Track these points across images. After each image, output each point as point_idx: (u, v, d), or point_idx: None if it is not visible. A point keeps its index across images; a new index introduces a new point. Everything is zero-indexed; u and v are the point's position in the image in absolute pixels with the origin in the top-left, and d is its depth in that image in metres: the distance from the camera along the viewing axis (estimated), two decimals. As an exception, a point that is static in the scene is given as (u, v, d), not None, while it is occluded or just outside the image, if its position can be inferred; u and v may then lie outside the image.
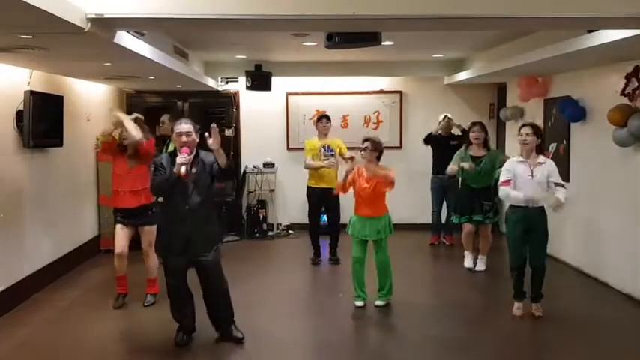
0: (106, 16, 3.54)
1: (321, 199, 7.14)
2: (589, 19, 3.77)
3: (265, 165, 9.18)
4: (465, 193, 6.75)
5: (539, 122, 7.65)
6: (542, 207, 5.07)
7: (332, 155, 7.04)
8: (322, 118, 7.29)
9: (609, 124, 5.69)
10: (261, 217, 9.05)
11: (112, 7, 3.53)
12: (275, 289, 6.19)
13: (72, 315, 5.36)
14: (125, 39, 4.38)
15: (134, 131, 5.30)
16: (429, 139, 8.07)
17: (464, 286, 6.35)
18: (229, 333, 4.62)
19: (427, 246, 8.18)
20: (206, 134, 4.27)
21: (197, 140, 4.44)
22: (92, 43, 4.15)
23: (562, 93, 7.02)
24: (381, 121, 9.44)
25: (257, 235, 8.95)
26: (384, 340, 4.95)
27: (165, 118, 7.21)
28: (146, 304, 5.52)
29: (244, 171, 9.13)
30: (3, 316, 5.22)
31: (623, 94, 5.70)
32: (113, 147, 5.43)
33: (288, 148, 9.46)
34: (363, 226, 5.42)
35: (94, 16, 3.52)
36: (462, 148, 6.74)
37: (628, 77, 5.64)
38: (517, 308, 5.25)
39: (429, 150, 8.18)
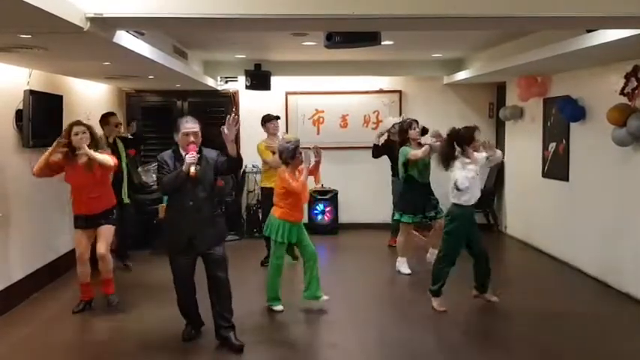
0: (105, 15, 3.54)
1: None
2: (588, 19, 3.78)
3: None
4: (413, 191, 6.46)
5: (539, 122, 7.69)
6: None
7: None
8: (273, 119, 7.17)
9: (608, 124, 5.70)
10: (260, 216, 9.04)
11: (111, 7, 3.53)
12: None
13: (71, 315, 5.35)
14: (124, 38, 4.38)
15: (105, 160, 5.24)
16: (379, 150, 7.64)
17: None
18: (228, 340, 4.51)
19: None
20: (222, 127, 4.26)
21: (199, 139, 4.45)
22: (91, 43, 4.15)
23: (561, 92, 7.03)
24: (381, 121, 9.42)
25: (256, 234, 8.94)
26: (385, 341, 4.95)
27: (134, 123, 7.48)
28: (114, 304, 5.47)
29: (244, 170, 9.13)
30: (2, 316, 5.21)
31: (622, 93, 5.70)
32: (57, 165, 5.22)
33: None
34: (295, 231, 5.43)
35: (93, 15, 3.53)
36: (406, 146, 6.45)
37: (627, 77, 5.64)
38: (439, 305, 5.36)
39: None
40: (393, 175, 7.68)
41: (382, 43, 5.00)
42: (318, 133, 9.36)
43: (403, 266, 6.71)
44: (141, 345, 4.69)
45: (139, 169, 7.86)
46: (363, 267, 7.20)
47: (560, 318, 5.21)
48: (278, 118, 7.27)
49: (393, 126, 7.48)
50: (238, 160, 4.42)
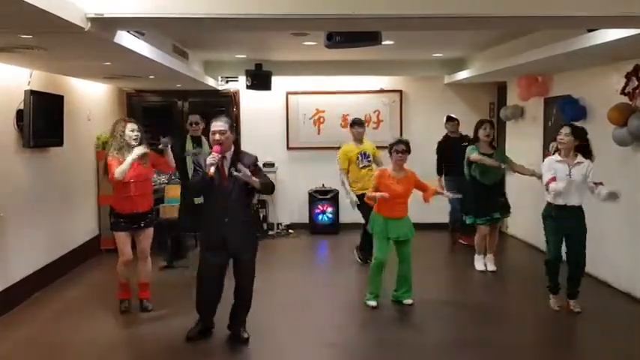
0: (105, 15, 3.54)
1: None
2: (589, 19, 3.77)
3: (265, 164, 9.15)
4: (480, 192, 6.55)
5: (540, 121, 7.68)
6: (580, 206, 5.16)
7: (369, 162, 6.96)
8: (355, 124, 7.12)
9: (609, 123, 5.69)
10: (261, 216, 9.06)
11: (111, 7, 3.53)
12: (275, 289, 6.19)
13: (72, 315, 5.36)
14: (125, 38, 4.38)
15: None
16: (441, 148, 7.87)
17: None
18: (237, 331, 4.68)
19: (432, 246, 8.14)
20: (235, 172, 4.35)
21: (233, 138, 4.50)
22: (92, 43, 4.15)
23: (562, 92, 7.02)
24: (381, 121, 9.44)
25: (257, 234, 8.94)
26: (385, 341, 4.94)
27: (196, 118, 6.95)
28: (150, 309, 5.37)
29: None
30: (3, 316, 5.22)
31: (623, 93, 5.70)
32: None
33: (289, 148, 9.46)
34: (396, 227, 5.41)
35: (93, 15, 3.53)
36: (473, 146, 6.62)
37: (628, 76, 5.64)
38: (553, 303, 5.33)
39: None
40: (446, 175, 7.82)
41: (383, 42, 5.00)
42: (318, 133, 9.37)
43: (477, 263, 6.84)
44: (145, 345, 4.71)
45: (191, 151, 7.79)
46: (362, 266, 7.19)
47: (560, 318, 5.21)
48: (362, 124, 7.17)
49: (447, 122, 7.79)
50: (266, 188, 4.55)
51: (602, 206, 6.23)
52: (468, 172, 6.63)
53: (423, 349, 4.62)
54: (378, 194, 5.29)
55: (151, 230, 5.37)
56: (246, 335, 4.65)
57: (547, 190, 5.15)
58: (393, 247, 5.55)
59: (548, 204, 5.22)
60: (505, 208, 6.71)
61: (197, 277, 4.66)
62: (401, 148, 5.40)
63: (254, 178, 4.40)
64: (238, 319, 4.71)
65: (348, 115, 9.35)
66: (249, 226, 4.68)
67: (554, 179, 5.05)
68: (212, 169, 4.30)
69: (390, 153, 5.48)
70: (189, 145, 6.76)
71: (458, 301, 5.79)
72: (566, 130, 5.16)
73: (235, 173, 4.36)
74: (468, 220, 6.76)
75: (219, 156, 4.35)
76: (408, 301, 5.51)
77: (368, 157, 7.00)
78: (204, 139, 6.84)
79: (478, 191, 6.55)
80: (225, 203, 4.43)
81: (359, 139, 7.08)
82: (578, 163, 5.12)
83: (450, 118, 8.01)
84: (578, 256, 5.23)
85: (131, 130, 5.13)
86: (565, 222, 5.15)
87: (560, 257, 5.23)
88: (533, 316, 5.32)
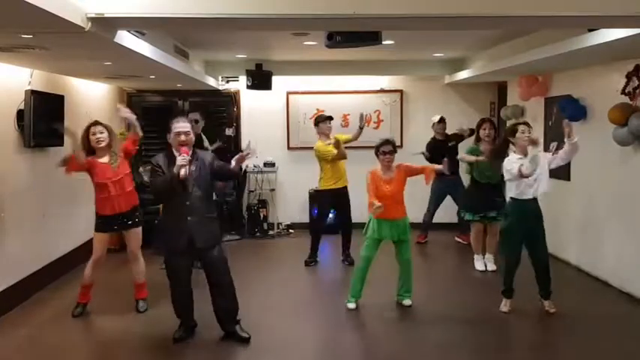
0: (106, 15, 3.54)
1: (333, 200, 7.09)
2: (590, 18, 3.77)
3: (266, 164, 9.19)
4: (476, 190, 6.67)
5: (540, 121, 7.68)
6: (536, 197, 5.13)
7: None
8: (325, 120, 7.17)
9: (610, 123, 5.69)
10: (261, 216, 9.06)
11: (112, 7, 3.53)
12: (276, 289, 6.19)
13: (72, 315, 5.35)
14: (126, 38, 4.38)
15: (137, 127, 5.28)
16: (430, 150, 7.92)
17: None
18: (234, 332, 4.61)
19: (434, 246, 8.15)
20: (232, 161, 4.39)
21: (193, 139, 4.46)
22: (93, 43, 4.15)
23: (563, 92, 7.02)
24: (382, 120, 9.44)
25: (258, 234, 8.96)
26: (389, 342, 4.95)
27: (195, 116, 6.89)
28: (141, 310, 5.35)
29: (245, 170, 9.13)
30: (4, 316, 5.22)
31: (623, 93, 5.70)
32: (81, 165, 5.15)
33: (289, 148, 9.46)
34: (389, 228, 5.38)
35: (94, 15, 3.53)
36: (472, 144, 6.71)
37: (629, 76, 5.64)
38: (504, 305, 5.33)
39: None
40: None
41: (383, 42, 5.01)
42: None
43: (477, 262, 6.85)
44: (143, 344, 4.70)
45: (140, 169, 7.85)
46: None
47: (560, 318, 5.21)
48: (331, 118, 7.24)
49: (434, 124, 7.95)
50: (238, 174, 4.55)
51: (603, 207, 6.24)
52: (469, 170, 6.75)
53: (424, 349, 4.62)
54: (376, 204, 5.09)
55: (138, 230, 5.29)
56: (246, 335, 4.60)
57: (520, 175, 5.05)
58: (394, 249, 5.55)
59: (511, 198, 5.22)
60: (502, 210, 6.63)
61: (170, 283, 4.56)
62: (388, 149, 5.33)
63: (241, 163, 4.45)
64: (231, 321, 4.62)
65: (348, 114, 9.36)
66: (213, 221, 4.53)
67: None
68: (183, 171, 4.21)
69: (377, 155, 5.42)
70: None
71: (456, 302, 5.76)
72: (527, 127, 5.19)
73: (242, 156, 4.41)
74: (465, 217, 6.84)
75: (188, 157, 4.29)
76: (407, 302, 5.50)
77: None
78: (203, 136, 6.86)
79: (473, 188, 6.71)
80: (188, 202, 4.33)
81: (326, 135, 7.08)
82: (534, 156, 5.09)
83: (441, 120, 8.04)
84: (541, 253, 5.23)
85: (92, 134, 5.11)
86: (526, 217, 5.12)
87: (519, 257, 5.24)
88: (530, 317, 5.31)
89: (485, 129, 6.61)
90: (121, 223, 5.21)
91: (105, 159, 5.15)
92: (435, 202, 8.16)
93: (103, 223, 5.18)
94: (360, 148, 7.32)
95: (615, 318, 5.26)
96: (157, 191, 4.43)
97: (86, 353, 4.59)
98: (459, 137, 7.94)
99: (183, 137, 4.34)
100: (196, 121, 6.81)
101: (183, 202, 4.34)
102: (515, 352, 4.63)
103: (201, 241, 4.39)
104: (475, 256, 6.89)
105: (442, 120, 8.05)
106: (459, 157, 6.75)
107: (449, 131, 8.08)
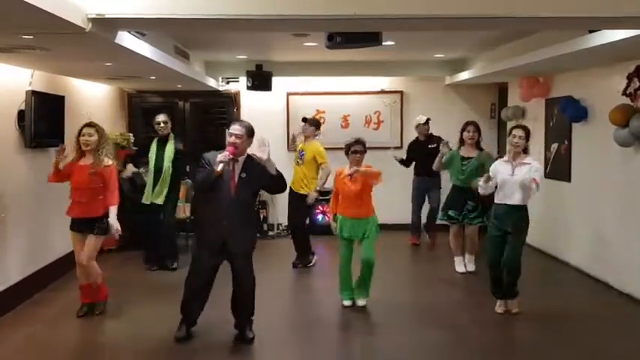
0: (107, 16, 3.54)
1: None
2: (591, 19, 3.77)
3: (266, 165, 9.17)
4: (452, 192, 6.74)
5: (541, 122, 7.68)
6: (523, 205, 5.10)
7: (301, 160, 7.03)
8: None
9: (611, 124, 5.69)
10: (261, 217, 9.06)
11: (112, 8, 3.53)
12: (275, 289, 6.19)
13: (72, 315, 5.32)
14: (126, 39, 4.39)
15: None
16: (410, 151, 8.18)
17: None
18: (242, 332, 4.68)
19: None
20: (251, 153, 4.49)
21: (248, 146, 4.59)
22: (93, 44, 4.16)
23: (563, 93, 7.02)
24: (382, 121, 9.44)
25: (258, 235, 8.93)
26: (384, 341, 4.95)
27: (164, 117, 6.87)
28: (98, 312, 5.26)
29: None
30: (5, 316, 5.21)
31: (624, 94, 5.70)
32: (61, 176, 5.12)
33: (289, 149, 9.44)
34: (349, 226, 5.41)
35: (95, 16, 3.53)
36: (455, 147, 6.68)
37: (630, 77, 5.64)
38: (498, 306, 5.32)
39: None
40: (415, 175, 8.17)
41: (383, 43, 5.00)
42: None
43: (457, 265, 6.82)
44: (146, 345, 4.69)
45: (141, 169, 7.85)
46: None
47: (560, 318, 5.21)
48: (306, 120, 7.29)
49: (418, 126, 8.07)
50: (281, 177, 4.59)
51: (603, 208, 6.24)
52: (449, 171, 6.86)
53: (423, 350, 4.62)
54: (332, 225, 5.54)
55: (93, 239, 5.07)
56: (251, 335, 4.65)
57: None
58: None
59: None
60: (479, 213, 6.52)
61: (188, 276, 4.64)
62: (359, 148, 5.38)
63: (272, 162, 4.51)
64: (244, 320, 4.70)
65: (349, 115, 9.37)
66: (250, 228, 4.69)
67: (487, 179, 5.13)
68: (220, 167, 4.34)
69: (347, 153, 5.45)
70: (153, 146, 6.84)
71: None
72: (519, 132, 5.14)
73: (252, 153, 4.48)
74: (439, 217, 7.08)
75: (230, 156, 4.40)
76: (361, 303, 5.48)
77: (302, 156, 7.01)
78: (172, 135, 6.84)
79: (450, 190, 6.81)
80: (228, 205, 4.43)
81: (306, 136, 7.10)
82: (524, 164, 5.08)
83: (427, 121, 8.06)
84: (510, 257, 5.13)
85: (82, 135, 5.09)
86: (504, 221, 5.11)
87: (499, 260, 5.17)
88: (531, 317, 5.29)
89: (469, 131, 6.57)
90: (85, 228, 5.10)
91: (87, 161, 5.07)
92: (417, 202, 8.20)
93: (72, 222, 5.19)
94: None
95: (615, 319, 5.26)
96: (200, 185, 4.57)
97: (86, 353, 4.59)
98: (440, 140, 7.84)
99: (233, 138, 4.48)
100: (164, 122, 6.85)
101: (223, 204, 4.43)
102: (515, 352, 4.62)
103: (234, 245, 4.49)
104: (455, 258, 6.85)
105: (427, 122, 8.06)
106: (434, 166, 6.83)
107: (448, 132, 8.06)
